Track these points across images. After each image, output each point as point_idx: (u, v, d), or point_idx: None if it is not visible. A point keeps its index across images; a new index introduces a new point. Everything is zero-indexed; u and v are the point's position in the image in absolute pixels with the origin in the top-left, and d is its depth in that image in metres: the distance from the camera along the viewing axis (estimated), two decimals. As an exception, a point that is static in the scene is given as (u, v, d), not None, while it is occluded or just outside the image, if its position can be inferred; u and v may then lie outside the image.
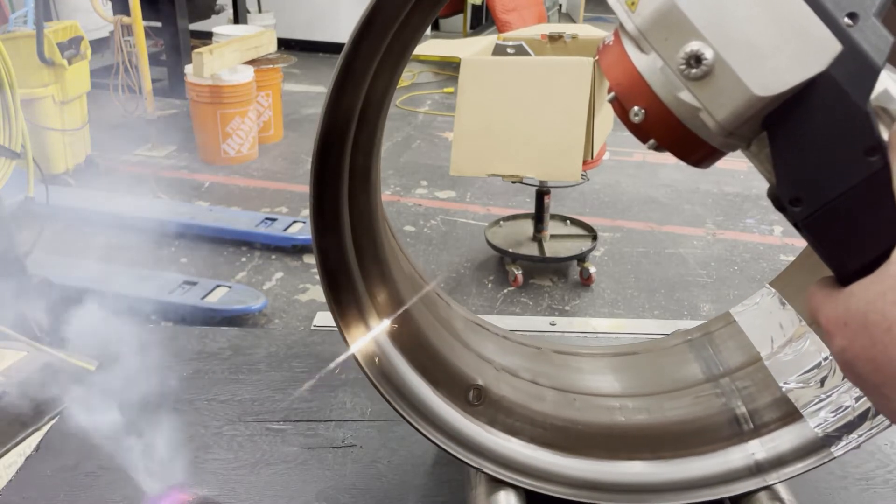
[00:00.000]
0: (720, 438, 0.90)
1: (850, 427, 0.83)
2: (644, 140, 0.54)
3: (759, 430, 0.89)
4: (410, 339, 0.87)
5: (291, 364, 1.20)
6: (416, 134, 5.67)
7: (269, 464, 1.00)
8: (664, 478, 0.89)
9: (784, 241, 4.09)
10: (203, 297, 3.24)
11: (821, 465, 0.85)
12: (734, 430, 0.90)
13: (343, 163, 0.77)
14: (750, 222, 4.33)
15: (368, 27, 0.71)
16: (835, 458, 0.85)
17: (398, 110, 6.10)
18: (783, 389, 0.88)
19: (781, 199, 0.51)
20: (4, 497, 0.94)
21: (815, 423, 0.85)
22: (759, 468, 0.88)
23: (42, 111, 4.29)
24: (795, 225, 0.51)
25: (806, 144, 0.49)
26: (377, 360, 0.85)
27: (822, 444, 0.85)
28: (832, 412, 0.84)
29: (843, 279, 0.50)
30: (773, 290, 0.97)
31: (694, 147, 0.53)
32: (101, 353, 1.28)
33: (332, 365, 1.18)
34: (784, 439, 0.87)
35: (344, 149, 0.77)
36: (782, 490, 0.87)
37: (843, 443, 0.84)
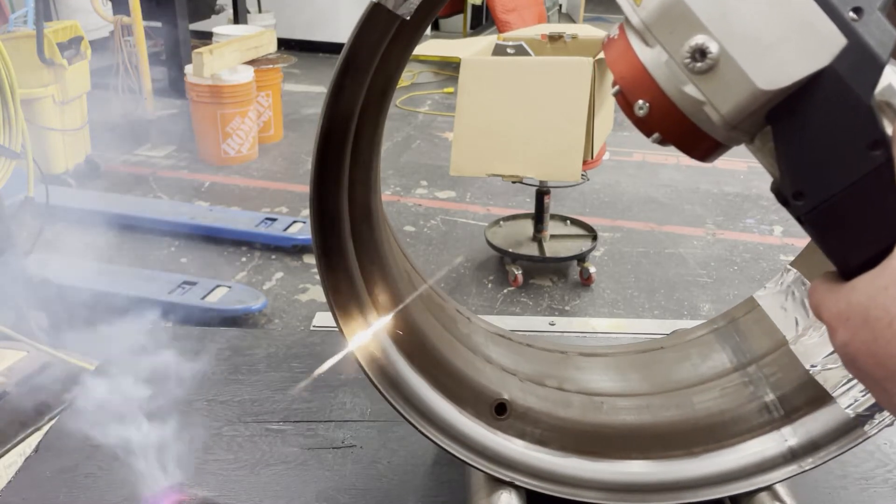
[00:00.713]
0: (752, 428, 0.89)
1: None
2: (648, 134, 0.54)
3: (790, 417, 0.88)
4: (430, 362, 0.87)
5: (291, 364, 1.20)
6: (416, 134, 5.67)
7: (269, 464, 1.00)
8: (700, 472, 0.88)
9: (784, 242, 4.09)
10: (203, 297, 3.24)
11: (856, 445, 0.84)
12: (765, 419, 0.89)
13: (343, 164, 0.77)
14: (750, 222, 4.33)
15: (348, 67, 0.72)
16: (869, 437, 0.84)
17: (398, 110, 6.10)
18: (811, 372, 0.87)
19: (784, 194, 0.51)
20: (4, 498, 0.94)
21: (846, 403, 0.84)
22: (793, 455, 0.87)
23: (42, 111, 4.29)
24: (798, 219, 0.51)
25: (810, 139, 0.49)
26: (398, 384, 0.85)
27: (854, 424, 0.84)
28: (861, 391, 0.83)
29: (845, 274, 0.50)
30: (796, 270, 0.96)
31: (698, 141, 0.53)
32: (100, 354, 1.28)
33: (331, 362, 1.17)
34: (816, 423, 0.87)
35: (344, 151, 0.77)
36: (782, 490, 0.87)
37: (875, 421, 0.83)
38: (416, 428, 0.85)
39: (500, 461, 0.88)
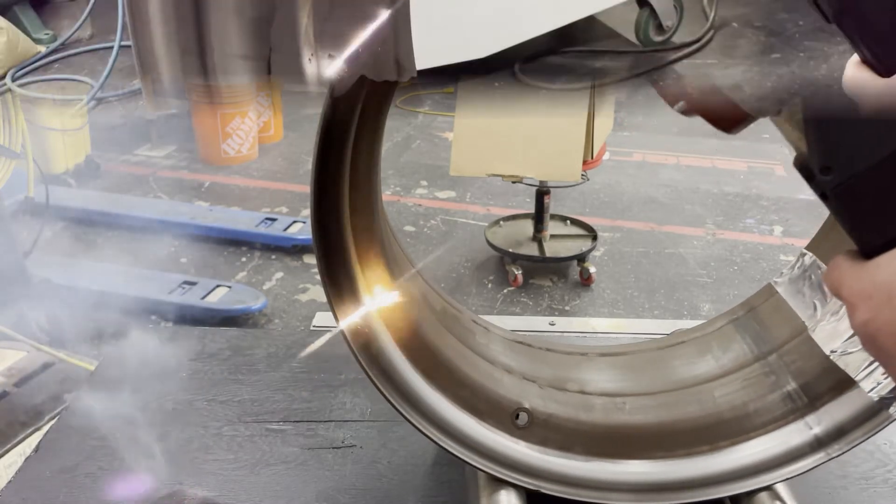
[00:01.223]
0: (776, 419, 0.89)
1: None
2: (673, 103, 0.52)
3: (813, 404, 0.88)
4: (448, 378, 0.87)
5: (291, 364, 1.20)
6: (416, 134, 5.67)
7: (269, 464, 1.00)
8: (727, 466, 0.88)
9: (784, 241, 4.09)
10: (203, 297, 3.24)
11: (882, 427, 0.84)
12: (789, 408, 0.89)
13: (344, 165, 0.77)
14: (750, 222, 4.33)
15: (327, 147, 0.73)
16: (895, 419, 0.83)
17: (398, 110, 6.10)
18: (831, 358, 0.86)
19: (811, 168, 0.50)
20: (4, 498, 0.94)
21: (869, 387, 0.83)
22: (819, 442, 0.86)
23: (42, 111, 4.29)
24: (822, 195, 0.50)
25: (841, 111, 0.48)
26: (420, 402, 0.85)
27: (879, 407, 0.83)
28: (884, 373, 0.82)
29: (868, 252, 0.49)
30: (812, 254, 0.95)
31: (726, 111, 0.51)
32: (100, 354, 1.28)
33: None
34: (840, 409, 0.86)
35: (344, 152, 0.77)
36: (782, 490, 0.87)
37: None
38: (437, 443, 0.85)
39: (525, 470, 0.87)
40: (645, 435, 0.90)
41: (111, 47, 3.95)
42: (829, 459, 0.85)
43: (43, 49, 4.48)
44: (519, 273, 3.57)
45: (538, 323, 1.48)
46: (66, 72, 4.39)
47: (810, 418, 0.88)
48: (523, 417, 0.88)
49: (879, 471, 1.01)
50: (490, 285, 3.62)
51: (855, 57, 0.50)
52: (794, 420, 0.88)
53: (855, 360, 0.84)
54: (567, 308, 3.47)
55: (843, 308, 0.85)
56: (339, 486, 0.97)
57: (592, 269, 3.61)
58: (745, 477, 0.87)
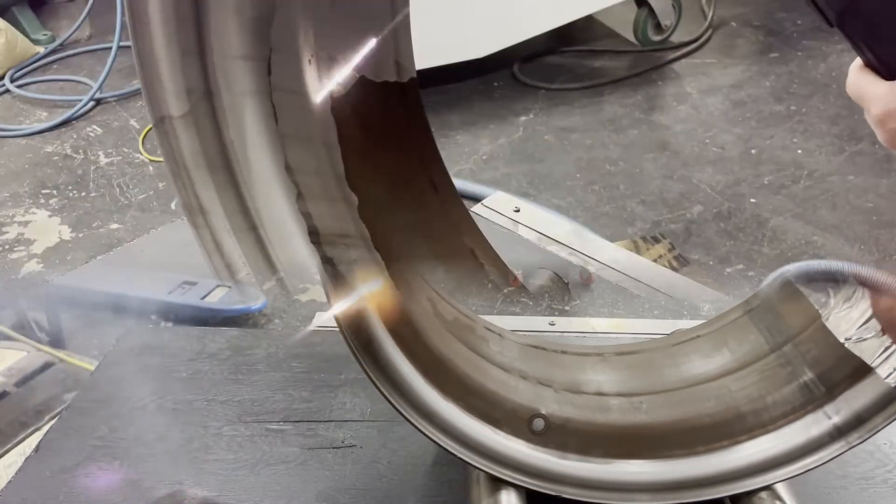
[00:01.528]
0: (794, 409, 0.88)
1: None
2: None
3: (831, 393, 0.87)
4: (461, 389, 0.86)
5: (291, 364, 1.20)
6: (415, 134, 5.66)
7: (269, 464, 1.00)
8: (747, 461, 0.87)
9: (784, 241, 4.09)
10: (203, 297, 3.23)
11: None
12: (806, 398, 0.88)
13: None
14: (750, 222, 4.32)
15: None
16: None
17: (398, 110, 6.09)
18: (846, 345, 0.85)
19: None
20: (4, 498, 0.94)
21: (885, 372, 0.82)
22: (839, 432, 0.86)
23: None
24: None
25: None
26: (434, 413, 0.85)
27: None
28: None
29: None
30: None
31: None
32: (100, 353, 1.28)
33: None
34: (858, 397, 0.85)
35: None
36: (782, 490, 0.87)
37: None
38: (454, 454, 0.85)
39: (543, 476, 0.87)
40: (663, 433, 0.90)
41: (110, 48, 3.95)
42: (850, 448, 0.85)
43: (41, 50, 4.50)
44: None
45: (538, 323, 1.48)
46: (64, 72, 4.40)
47: (829, 408, 0.87)
48: (539, 423, 0.88)
49: (879, 471, 1.01)
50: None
51: (858, 61, 0.49)
52: (813, 410, 0.87)
53: (870, 347, 0.84)
54: (567, 308, 3.47)
55: (856, 294, 0.85)
56: (339, 486, 0.97)
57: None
58: (765, 470, 0.87)
